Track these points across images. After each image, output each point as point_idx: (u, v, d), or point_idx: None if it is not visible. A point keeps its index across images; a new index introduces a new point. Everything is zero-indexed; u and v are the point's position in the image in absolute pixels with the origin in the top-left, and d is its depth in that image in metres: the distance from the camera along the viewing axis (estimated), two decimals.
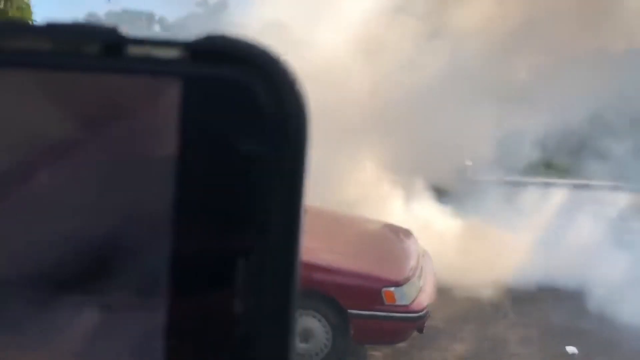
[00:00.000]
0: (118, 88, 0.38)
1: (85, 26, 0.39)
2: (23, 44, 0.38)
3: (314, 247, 5.42)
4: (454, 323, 5.73)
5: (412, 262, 5.50)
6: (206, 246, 0.38)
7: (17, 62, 0.38)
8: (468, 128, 6.80)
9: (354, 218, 6.25)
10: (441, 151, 6.72)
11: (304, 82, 0.40)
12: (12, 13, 6.49)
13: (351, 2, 6.80)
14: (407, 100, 6.34)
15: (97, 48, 0.38)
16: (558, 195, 7.33)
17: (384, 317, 5.05)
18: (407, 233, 6.17)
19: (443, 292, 5.86)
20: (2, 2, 6.54)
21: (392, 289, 5.08)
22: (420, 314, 5.16)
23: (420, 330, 5.20)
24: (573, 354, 5.48)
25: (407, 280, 5.20)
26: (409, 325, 5.16)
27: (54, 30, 0.39)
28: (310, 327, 5.08)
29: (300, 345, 5.09)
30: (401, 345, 5.37)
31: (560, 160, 8.54)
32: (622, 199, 7.23)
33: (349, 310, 5.03)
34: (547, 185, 7.75)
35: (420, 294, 5.31)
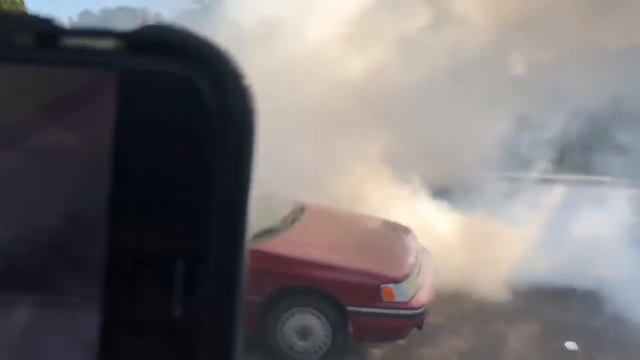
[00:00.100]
0: (52, 80, 0.36)
1: (18, 16, 0.38)
2: None
3: (313, 245, 5.41)
4: (453, 319, 5.70)
5: (411, 259, 5.49)
6: (144, 244, 0.36)
7: None
8: (469, 123, 6.78)
9: (352, 215, 6.24)
10: (442, 147, 6.70)
11: (260, 78, 0.38)
12: (6, 7, 6.45)
13: None
14: (407, 95, 6.32)
15: (31, 39, 0.37)
16: (560, 191, 7.32)
17: (383, 314, 5.04)
18: (406, 230, 6.15)
19: (442, 288, 5.84)
20: None
21: (390, 285, 5.07)
22: (419, 310, 5.15)
23: (419, 327, 5.18)
24: (573, 350, 5.47)
25: (405, 277, 5.19)
26: (408, 322, 5.14)
27: None
28: (309, 324, 5.07)
29: (299, 343, 5.08)
30: (400, 342, 5.35)
31: (562, 155, 8.53)
32: (624, 195, 7.22)
33: (348, 308, 5.01)
34: (548, 181, 7.74)
35: (419, 291, 5.30)
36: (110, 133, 0.36)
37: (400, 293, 5.10)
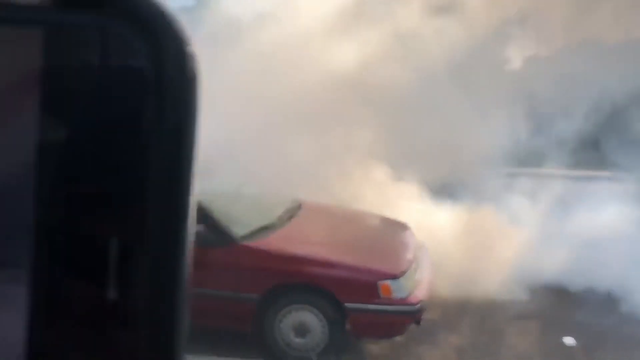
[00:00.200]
0: None
1: None
2: None
3: (310, 241, 5.39)
4: (451, 315, 5.69)
5: (409, 255, 5.48)
6: (73, 218, 0.34)
7: None
8: (466, 118, 6.75)
9: (349, 212, 6.21)
10: (440, 142, 6.67)
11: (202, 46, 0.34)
12: None
13: None
14: (405, 91, 6.28)
15: None
16: (559, 187, 7.29)
17: (381, 310, 5.03)
18: (404, 226, 6.14)
19: (441, 285, 5.83)
20: None
21: (388, 282, 5.06)
22: (417, 306, 5.14)
23: (417, 323, 5.17)
24: (570, 346, 5.47)
25: (403, 273, 5.17)
26: (406, 318, 5.14)
27: None
28: (307, 321, 5.05)
29: (297, 340, 5.07)
30: (398, 338, 5.33)
31: (562, 151, 8.50)
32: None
33: (346, 304, 5.00)
34: (547, 177, 7.72)
35: (417, 287, 5.28)
36: (36, 92, 0.33)
37: (398, 289, 5.09)
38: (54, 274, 0.34)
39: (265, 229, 5.35)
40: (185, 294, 0.36)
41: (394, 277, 5.11)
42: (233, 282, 5.06)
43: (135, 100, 0.33)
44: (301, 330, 5.07)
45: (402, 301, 5.08)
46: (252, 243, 5.14)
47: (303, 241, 5.36)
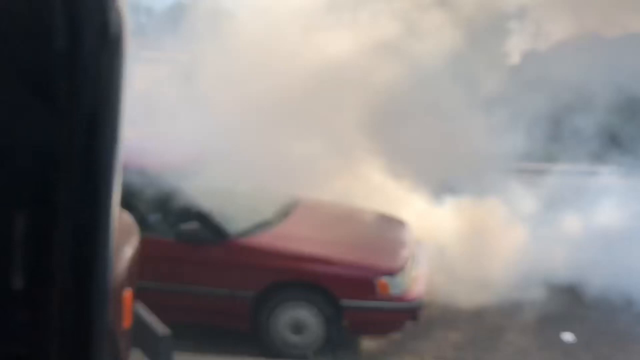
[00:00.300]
0: None
1: None
2: None
3: (306, 238, 5.36)
4: (448, 312, 5.66)
5: (406, 252, 5.45)
6: None
7: None
8: (463, 113, 6.70)
9: (346, 208, 6.17)
10: (443, 140, 6.62)
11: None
12: None
13: None
14: (407, 88, 6.23)
15: None
16: (556, 181, 7.26)
17: (378, 307, 5.00)
18: (401, 223, 6.11)
19: (438, 281, 5.80)
20: None
21: (385, 278, 5.03)
22: (414, 303, 5.11)
23: (414, 320, 5.14)
24: (568, 342, 5.44)
25: (400, 269, 5.14)
26: (403, 315, 5.11)
27: None
28: (304, 318, 5.02)
29: (293, 337, 5.04)
30: (395, 335, 5.30)
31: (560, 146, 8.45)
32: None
33: (342, 301, 4.97)
34: (544, 172, 7.69)
35: (414, 284, 5.26)
36: None
37: (395, 286, 5.06)
38: None
39: (261, 226, 5.32)
40: (104, 288, 0.32)
41: (391, 273, 5.08)
42: (229, 280, 5.03)
43: (44, 65, 0.29)
44: (298, 327, 5.05)
45: (399, 298, 5.05)
46: (248, 240, 5.11)
47: (299, 238, 5.32)
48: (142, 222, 4.74)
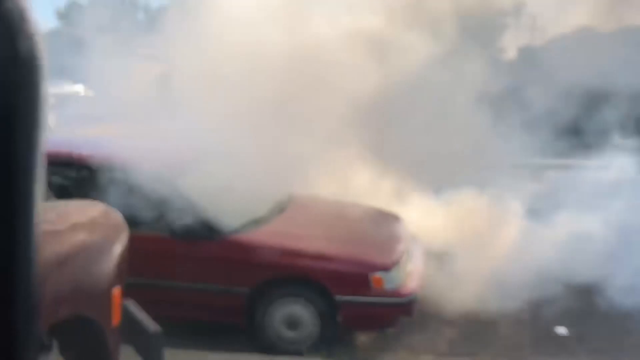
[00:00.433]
0: None
1: None
2: None
3: (301, 234, 5.38)
4: (443, 307, 5.68)
5: (400, 247, 5.46)
6: None
7: None
8: (463, 115, 6.71)
9: (340, 204, 6.20)
10: (437, 137, 6.62)
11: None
12: None
13: None
14: (400, 85, 6.23)
15: None
16: (554, 177, 7.28)
17: (372, 302, 5.02)
18: (396, 218, 6.12)
19: (434, 275, 5.82)
20: None
21: (379, 273, 5.05)
22: (409, 298, 5.13)
23: (409, 315, 5.16)
24: (562, 335, 5.47)
25: (395, 265, 5.16)
26: (398, 310, 5.13)
27: None
28: (298, 314, 5.04)
29: (288, 333, 5.06)
30: (390, 330, 5.32)
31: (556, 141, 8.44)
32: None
33: (337, 297, 4.99)
34: (541, 168, 7.70)
35: (409, 279, 5.28)
36: None
37: (390, 281, 5.08)
38: None
39: (255, 222, 5.34)
40: (26, 289, 0.33)
41: (386, 269, 5.10)
42: (223, 276, 5.06)
43: None
44: (292, 323, 5.07)
45: (394, 293, 5.07)
46: (242, 236, 5.13)
47: (294, 234, 5.34)
48: (138, 219, 4.78)
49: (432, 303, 5.65)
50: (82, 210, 2.75)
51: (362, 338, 5.47)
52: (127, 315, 2.95)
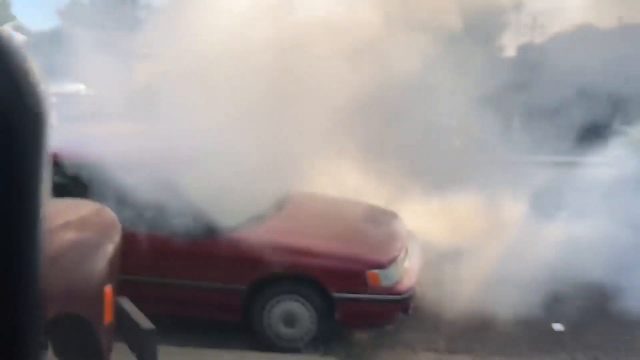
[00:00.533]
0: None
1: None
2: None
3: (298, 231, 5.40)
4: (441, 304, 5.69)
5: (397, 244, 5.48)
6: None
7: None
8: (463, 112, 6.71)
9: (338, 201, 6.21)
10: (430, 133, 6.63)
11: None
12: None
13: None
14: (398, 83, 6.24)
15: None
16: (544, 173, 7.27)
17: (369, 299, 5.04)
18: (393, 215, 6.14)
19: (432, 273, 5.83)
20: None
21: (376, 271, 5.06)
22: (406, 295, 5.15)
23: (406, 312, 5.18)
24: (559, 331, 5.48)
25: (391, 262, 5.17)
26: (395, 307, 5.14)
27: None
28: (295, 311, 5.07)
29: (285, 330, 5.09)
30: (388, 327, 5.34)
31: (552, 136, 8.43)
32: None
33: (334, 294, 5.01)
34: (536, 164, 7.69)
35: (406, 276, 5.29)
36: None
37: (386, 278, 5.09)
38: None
39: (253, 219, 5.36)
40: (32, 284, 0.34)
41: (382, 266, 5.11)
42: (221, 273, 5.08)
43: None
44: (290, 320, 5.09)
45: (391, 290, 5.09)
46: (240, 234, 5.15)
47: (291, 231, 5.36)
48: (137, 218, 4.81)
49: (430, 300, 5.66)
50: (73, 209, 2.78)
51: (360, 335, 5.48)
52: (120, 312, 2.97)
